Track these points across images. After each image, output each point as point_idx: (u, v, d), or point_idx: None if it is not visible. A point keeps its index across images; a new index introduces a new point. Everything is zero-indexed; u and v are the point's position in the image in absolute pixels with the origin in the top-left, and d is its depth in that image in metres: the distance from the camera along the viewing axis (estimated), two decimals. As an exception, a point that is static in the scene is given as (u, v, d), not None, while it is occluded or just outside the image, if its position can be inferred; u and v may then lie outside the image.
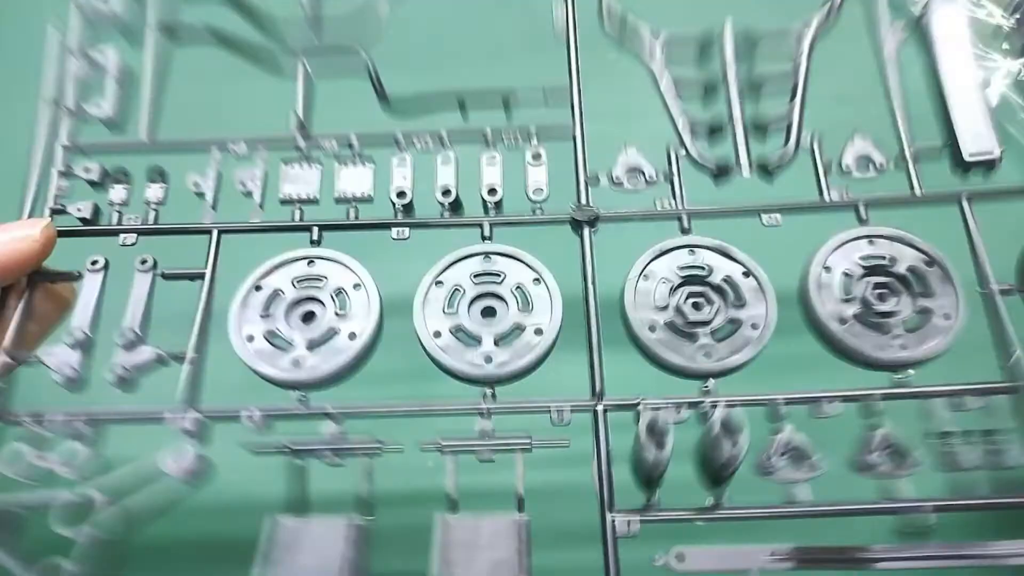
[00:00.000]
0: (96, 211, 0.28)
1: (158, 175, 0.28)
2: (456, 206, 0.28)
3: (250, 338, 0.25)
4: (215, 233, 0.27)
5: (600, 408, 0.25)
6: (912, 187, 0.27)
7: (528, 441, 0.24)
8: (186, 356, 0.25)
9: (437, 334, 0.25)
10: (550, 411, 0.24)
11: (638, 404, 0.24)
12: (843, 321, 0.25)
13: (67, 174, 0.28)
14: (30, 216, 0.27)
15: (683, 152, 0.28)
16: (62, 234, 0.27)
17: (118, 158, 0.29)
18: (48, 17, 0.29)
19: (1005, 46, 0.29)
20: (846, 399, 0.24)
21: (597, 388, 0.25)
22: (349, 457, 0.24)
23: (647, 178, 0.28)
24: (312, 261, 0.27)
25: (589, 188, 0.28)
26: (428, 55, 0.35)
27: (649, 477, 0.23)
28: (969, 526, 0.23)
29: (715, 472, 0.23)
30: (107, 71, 0.29)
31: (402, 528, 0.23)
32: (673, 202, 0.27)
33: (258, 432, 0.24)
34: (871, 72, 0.29)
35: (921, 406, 0.24)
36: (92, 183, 0.28)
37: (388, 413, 0.25)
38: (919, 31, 0.29)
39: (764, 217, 0.27)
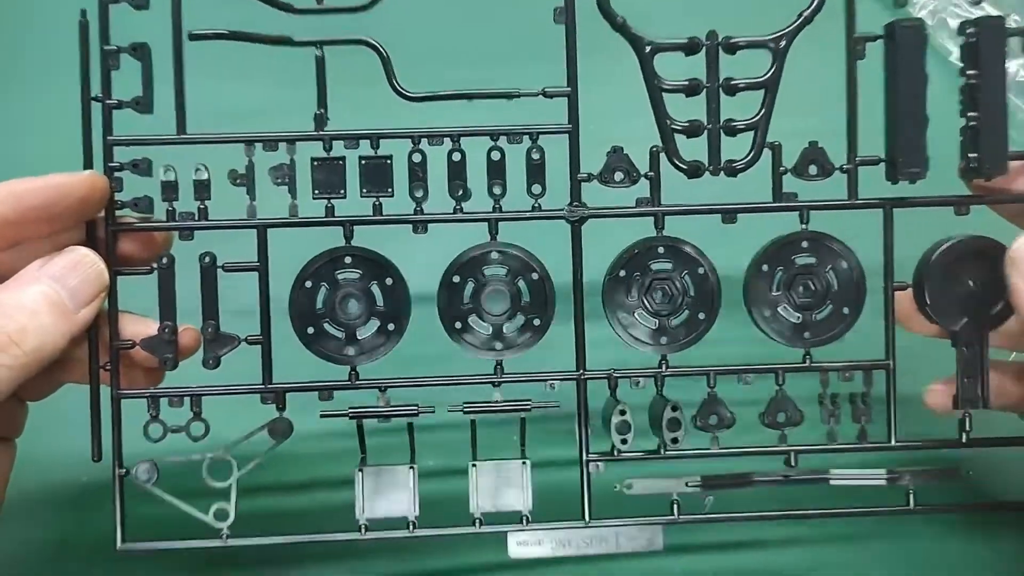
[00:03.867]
0: (150, 205, 0.32)
1: (203, 171, 0.32)
2: (465, 198, 0.32)
3: (307, 327, 0.32)
4: (262, 228, 0.32)
5: (582, 377, 0.33)
6: (850, 194, 0.33)
7: (528, 403, 0.32)
8: (257, 340, 0.32)
9: (457, 323, 0.32)
10: (545, 381, 0.33)
11: (611, 374, 0.33)
12: (770, 310, 0.33)
13: (118, 168, 0.31)
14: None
15: (664, 154, 0.32)
16: (125, 229, 0.32)
17: (147, 151, 0.31)
18: (67, 17, 0.30)
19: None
20: (760, 371, 0.33)
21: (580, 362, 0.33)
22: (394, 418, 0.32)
23: (632, 177, 0.32)
24: (350, 256, 0.32)
25: (582, 186, 0.32)
26: (430, 50, 0.36)
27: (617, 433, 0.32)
28: (834, 462, 0.34)
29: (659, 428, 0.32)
30: (139, 65, 0.31)
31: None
32: (651, 201, 0.33)
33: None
34: (840, 83, 0.32)
35: (820, 376, 0.33)
36: (139, 174, 0.32)
37: (423, 384, 0.32)
38: (886, 48, 0.32)
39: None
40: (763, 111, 0.32)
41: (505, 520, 0.32)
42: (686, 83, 0.32)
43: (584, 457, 0.33)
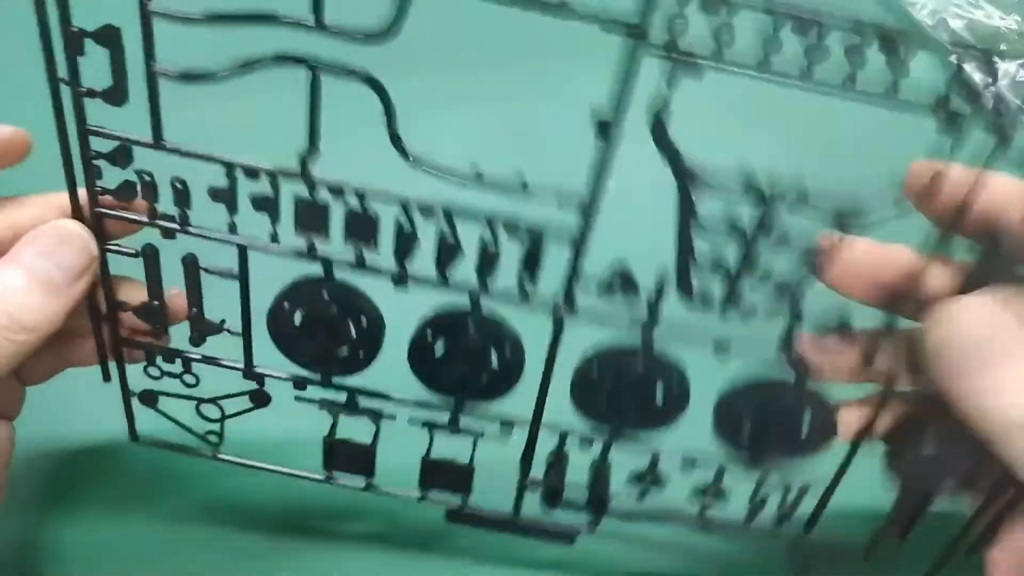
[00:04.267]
0: (132, 192, 0.30)
1: (180, 184, 0.30)
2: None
3: (284, 340, 0.33)
4: (242, 248, 0.31)
5: (539, 433, 0.35)
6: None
7: (482, 432, 0.35)
8: (239, 330, 0.33)
9: (426, 368, 0.33)
10: (499, 423, 0.35)
11: (566, 434, 0.35)
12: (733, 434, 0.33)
13: (97, 158, 0.29)
14: (76, 207, 0.30)
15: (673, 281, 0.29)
16: (109, 216, 0.31)
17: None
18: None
19: (1003, 47, 0.27)
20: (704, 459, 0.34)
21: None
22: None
23: (632, 292, 0.30)
24: (328, 286, 0.32)
25: (574, 288, 0.30)
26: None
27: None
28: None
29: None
30: (109, 51, 0.27)
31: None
32: (646, 319, 0.30)
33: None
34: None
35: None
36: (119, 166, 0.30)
37: (388, 397, 0.35)
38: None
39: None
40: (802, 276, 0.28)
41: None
42: (725, 228, 0.27)
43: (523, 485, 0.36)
